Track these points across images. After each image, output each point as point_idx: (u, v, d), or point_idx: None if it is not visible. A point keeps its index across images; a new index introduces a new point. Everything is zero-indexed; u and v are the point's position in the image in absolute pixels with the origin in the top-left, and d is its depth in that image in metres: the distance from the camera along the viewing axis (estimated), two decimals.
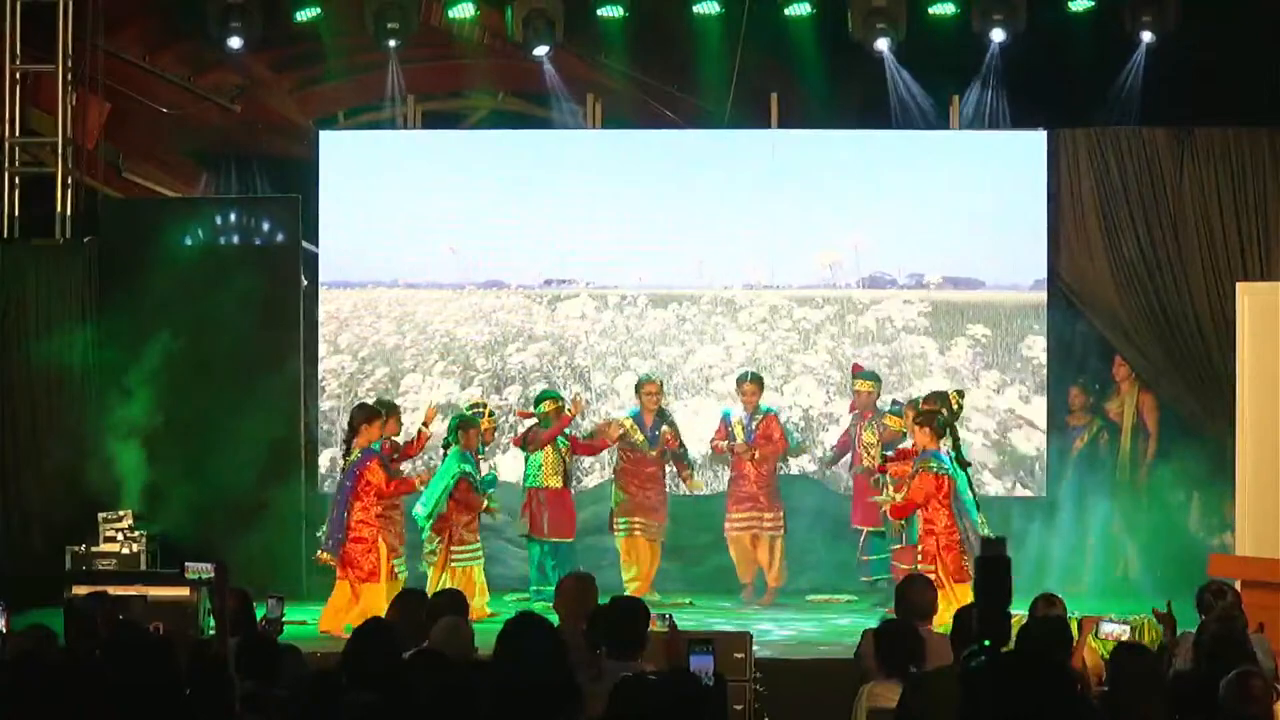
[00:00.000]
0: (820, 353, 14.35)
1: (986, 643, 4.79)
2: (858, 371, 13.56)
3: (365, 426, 12.21)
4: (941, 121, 14.48)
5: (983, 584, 4.80)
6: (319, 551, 12.27)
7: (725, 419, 13.55)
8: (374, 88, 15.14)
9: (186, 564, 6.95)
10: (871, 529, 13.21)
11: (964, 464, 12.17)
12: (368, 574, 11.94)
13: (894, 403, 13.29)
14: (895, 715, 6.52)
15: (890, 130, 14.50)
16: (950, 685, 6.21)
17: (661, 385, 13.58)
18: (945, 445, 12.08)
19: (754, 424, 13.37)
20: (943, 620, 8.82)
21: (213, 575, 6.81)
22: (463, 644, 6.97)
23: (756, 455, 13.29)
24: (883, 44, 14.05)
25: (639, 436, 13.38)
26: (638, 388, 13.55)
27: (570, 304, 14.57)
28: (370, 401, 13.04)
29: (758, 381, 13.53)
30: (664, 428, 13.43)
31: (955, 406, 12.57)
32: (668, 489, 13.61)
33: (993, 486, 14.18)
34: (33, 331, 13.95)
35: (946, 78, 14.44)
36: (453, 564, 12.50)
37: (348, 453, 12.30)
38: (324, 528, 12.31)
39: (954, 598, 11.65)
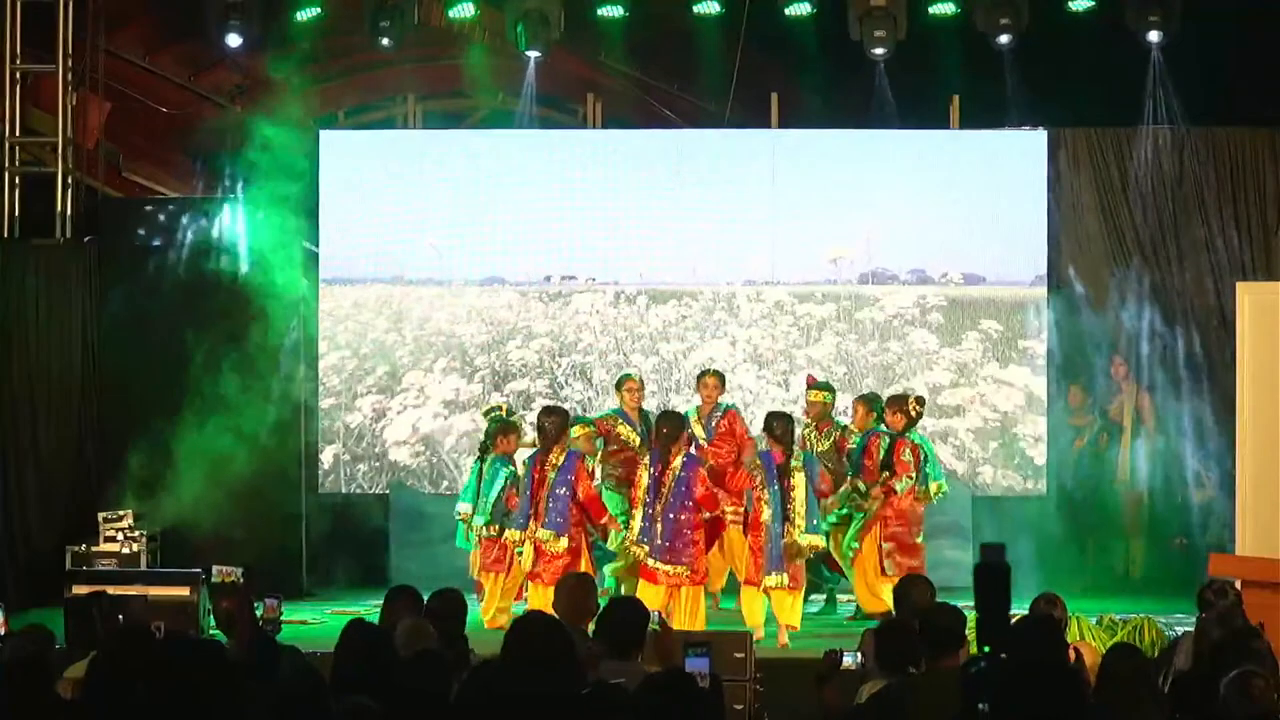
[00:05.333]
0: (824, 346, 14.33)
1: (987, 649, 4.76)
2: (812, 383, 12.97)
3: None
4: (941, 121, 14.47)
5: (982, 591, 4.75)
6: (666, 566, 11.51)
7: (684, 419, 12.67)
8: (374, 88, 15.14)
9: (214, 567, 6.96)
10: None
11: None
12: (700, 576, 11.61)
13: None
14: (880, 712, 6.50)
15: (890, 130, 14.48)
16: (937, 688, 6.23)
17: (642, 383, 12.99)
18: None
19: (714, 422, 12.75)
20: None
21: (241, 582, 6.84)
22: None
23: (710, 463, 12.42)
24: (879, 51, 14.01)
25: (629, 434, 12.64)
26: (619, 384, 12.90)
27: (571, 300, 14.56)
28: (559, 407, 12.64)
29: (719, 376, 12.93)
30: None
31: (914, 413, 12.30)
32: None
33: (994, 485, 14.20)
34: (32, 331, 13.95)
35: (946, 78, 14.43)
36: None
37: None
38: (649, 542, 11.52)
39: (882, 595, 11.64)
